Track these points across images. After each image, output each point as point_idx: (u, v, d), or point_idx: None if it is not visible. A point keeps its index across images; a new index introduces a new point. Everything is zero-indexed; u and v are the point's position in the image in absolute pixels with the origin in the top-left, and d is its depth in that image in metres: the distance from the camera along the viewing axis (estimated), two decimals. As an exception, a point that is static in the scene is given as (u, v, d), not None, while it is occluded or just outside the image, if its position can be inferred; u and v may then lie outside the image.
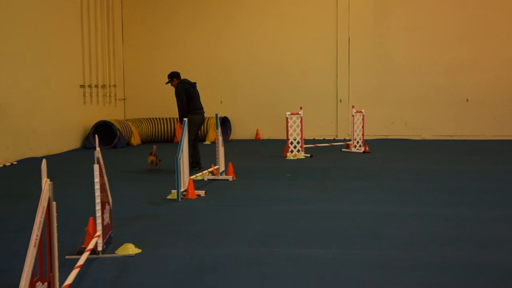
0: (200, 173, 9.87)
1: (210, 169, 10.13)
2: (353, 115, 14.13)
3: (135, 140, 16.61)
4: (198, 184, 9.26)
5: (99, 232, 5.33)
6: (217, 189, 9.11)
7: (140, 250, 5.57)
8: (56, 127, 14.58)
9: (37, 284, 3.18)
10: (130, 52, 18.83)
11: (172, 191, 8.42)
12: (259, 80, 18.30)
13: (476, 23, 17.20)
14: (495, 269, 4.92)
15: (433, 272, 4.87)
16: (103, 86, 17.36)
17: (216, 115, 10.23)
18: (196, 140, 11.17)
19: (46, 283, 3.33)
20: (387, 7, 17.57)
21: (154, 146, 11.37)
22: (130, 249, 5.54)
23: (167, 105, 18.49)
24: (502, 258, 5.25)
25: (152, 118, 17.51)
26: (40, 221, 3.20)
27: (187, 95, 10.95)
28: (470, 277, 4.72)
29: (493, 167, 11.24)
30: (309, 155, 13.19)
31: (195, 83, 11.30)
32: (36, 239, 3.10)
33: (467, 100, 17.32)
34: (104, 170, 5.54)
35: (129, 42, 18.82)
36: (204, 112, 11.36)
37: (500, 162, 12.01)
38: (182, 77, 11.23)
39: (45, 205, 3.32)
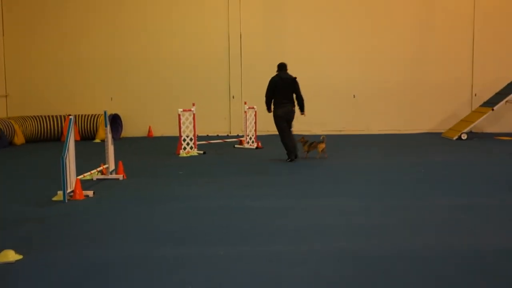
0: (89, 173, 9.50)
1: (99, 168, 9.78)
2: (245, 111, 14.24)
3: (19, 139, 15.71)
4: (86, 184, 8.91)
5: (-26, 239, 4.95)
6: (106, 189, 8.81)
7: (21, 256, 5.24)
8: None
9: None
10: (12, 46, 17.80)
11: (58, 192, 8.02)
12: (150, 76, 17.99)
13: (372, 18, 17.83)
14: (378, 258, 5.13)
15: (324, 263, 4.98)
16: (-18, 82, 16.27)
17: (105, 112, 9.88)
18: (287, 131, 11.58)
19: None
20: (276, 1, 17.88)
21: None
22: (10, 255, 5.21)
23: (53, 102, 17.72)
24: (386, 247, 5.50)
25: (37, 116, 16.63)
26: None
27: (273, 88, 11.54)
28: (361, 267, 4.88)
29: (382, 160, 11.79)
30: (202, 152, 13.12)
31: (290, 78, 11.59)
32: None
33: (354, 96, 18.01)
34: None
35: (10, 36, 17.77)
36: (288, 104, 11.56)
37: (389, 155, 12.63)
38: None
39: None
